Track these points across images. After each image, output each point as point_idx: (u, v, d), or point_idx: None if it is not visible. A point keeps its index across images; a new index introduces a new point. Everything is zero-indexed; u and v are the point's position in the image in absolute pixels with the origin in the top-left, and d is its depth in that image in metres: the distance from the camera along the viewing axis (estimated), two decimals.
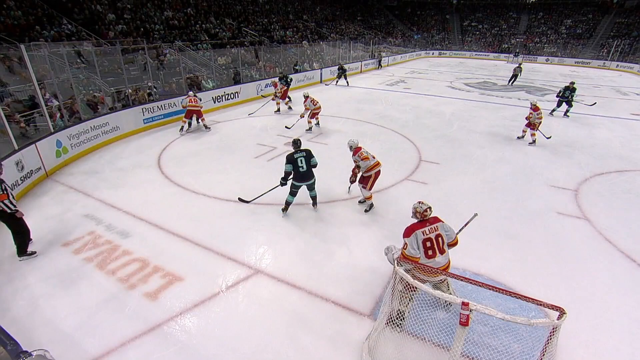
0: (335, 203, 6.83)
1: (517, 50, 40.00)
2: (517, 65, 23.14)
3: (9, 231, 5.08)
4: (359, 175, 6.50)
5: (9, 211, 4.86)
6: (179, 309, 4.25)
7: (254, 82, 15.99)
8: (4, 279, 4.74)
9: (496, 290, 3.22)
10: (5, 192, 4.80)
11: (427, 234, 3.83)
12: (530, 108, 10.56)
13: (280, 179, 6.14)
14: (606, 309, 4.47)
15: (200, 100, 11.50)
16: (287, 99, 13.84)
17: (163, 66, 14.50)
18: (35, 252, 5.20)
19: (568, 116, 14.11)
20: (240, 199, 6.66)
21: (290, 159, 5.92)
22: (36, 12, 14.96)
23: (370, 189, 6.36)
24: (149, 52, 13.60)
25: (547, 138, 10.76)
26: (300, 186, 6.11)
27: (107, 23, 17.03)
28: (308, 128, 11.27)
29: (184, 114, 10.94)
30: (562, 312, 2.88)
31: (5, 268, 4.96)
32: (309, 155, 6.01)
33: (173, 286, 4.61)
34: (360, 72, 25.75)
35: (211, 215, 6.38)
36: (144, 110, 11.03)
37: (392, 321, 3.79)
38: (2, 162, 5.33)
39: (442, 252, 3.88)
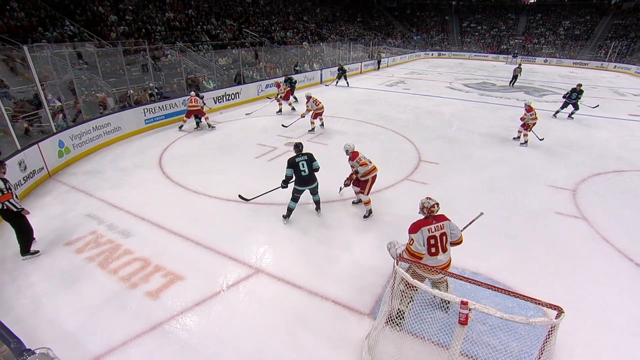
0: (335, 203, 6.84)
1: (516, 51, 39.99)
2: (517, 66, 23.09)
3: (12, 230, 5.09)
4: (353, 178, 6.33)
5: (14, 210, 4.87)
6: (180, 308, 4.26)
7: (255, 83, 16.00)
8: (7, 278, 4.75)
9: (495, 290, 3.22)
10: (9, 192, 4.80)
11: (432, 232, 3.80)
12: (525, 109, 10.58)
13: (281, 182, 6.07)
14: (604, 307, 4.47)
15: (202, 98, 11.57)
16: (290, 100, 13.78)
17: (157, 68, 14.47)
18: (38, 252, 5.21)
19: (572, 118, 13.95)
20: (240, 197, 6.65)
21: (292, 163, 5.78)
22: (39, 14, 14.98)
23: (368, 193, 6.16)
24: (150, 53, 13.61)
25: (540, 139, 10.74)
26: (303, 191, 5.95)
27: (109, 24, 17.04)
28: (311, 129, 11.24)
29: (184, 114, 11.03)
30: (560, 311, 2.89)
31: (8, 267, 4.96)
32: (310, 159, 5.89)
33: (174, 285, 4.62)
34: (360, 72, 25.76)
35: (212, 215, 6.39)
36: (146, 110, 11.04)
37: (391, 320, 3.80)
38: (6, 162, 5.33)
39: (444, 250, 3.86)
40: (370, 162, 6.15)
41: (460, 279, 3.64)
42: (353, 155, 6.15)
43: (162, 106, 11.57)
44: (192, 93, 11.35)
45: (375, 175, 6.19)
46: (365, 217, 6.26)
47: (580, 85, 13.90)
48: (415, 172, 8.36)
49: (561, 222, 6.44)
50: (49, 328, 3.98)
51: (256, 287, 4.65)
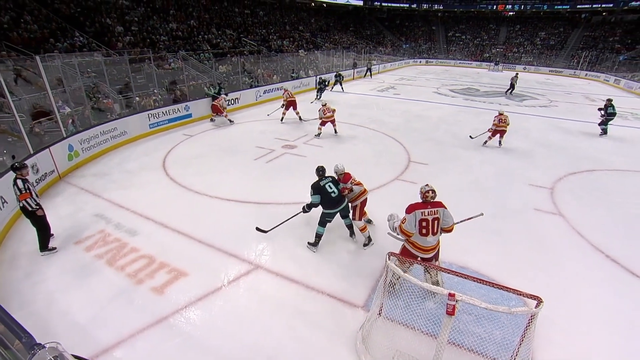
0: None
1: (498, 59, 40.25)
2: (514, 75, 22.23)
3: (29, 228, 5.06)
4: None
5: (29, 209, 4.85)
6: (184, 302, 4.23)
7: (254, 89, 15.93)
8: (21, 274, 4.70)
9: (480, 282, 3.24)
10: (27, 191, 4.81)
11: (425, 215, 3.96)
12: (497, 116, 10.39)
13: (304, 206, 5.40)
14: (580, 297, 4.53)
15: (226, 96, 12.83)
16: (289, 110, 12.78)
17: (153, 77, 14.37)
18: (55, 248, 5.19)
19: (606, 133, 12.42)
20: (257, 229, 5.61)
21: (317, 188, 5.02)
22: (51, 26, 14.83)
23: (360, 218, 5.38)
24: (154, 62, 13.51)
25: (499, 146, 10.60)
26: (334, 214, 5.21)
27: (116, 35, 16.90)
28: (317, 134, 11.08)
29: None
30: (539, 301, 2.92)
31: (23, 263, 4.92)
32: (335, 181, 5.22)
33: (178, 281, 4.59)
34: (353, 78, 25.74)
35: (213, 214, 6.35)
36: (150, 115, 10.95)
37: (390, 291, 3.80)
38: (26, 163, 5.29)
39: (434, 233, 4.01)
40: (361, 184, 5.48)
41: (448, 272, 3.65)
42: (345, 178, 5.30)
43: (166, 111, 11.49)
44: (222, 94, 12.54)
45: (366, 199, 5.45)
46: (365, 245, 5.40)
47: (610, 100, 12.46)
48: (406, 172, 8.38)
49: (540, 218, 6.50)
50: (61, 322, 3.95)
51: (256, 283, 4.64)
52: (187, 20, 22.23)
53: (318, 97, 16.46)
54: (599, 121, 12.66)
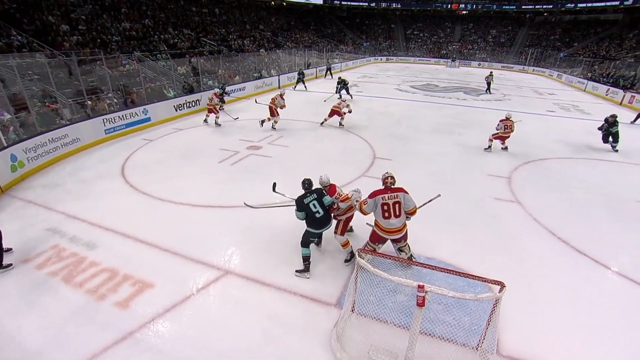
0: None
1: (454, 56, 42.06)
2: (488, 74, 22.22)
3: None
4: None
5: None
6: (151, 314, 4.04)
7: (214, 90, 15.47)
8: None
9: (447, 272, 3.35)
10: None
11: (386, 200, 4.35)
12: (502, 121, 9.93)
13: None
14: (537, 278, 4.82)
15: (217, 96, 12.31)
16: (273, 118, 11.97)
17: (106, 80, 13.64)
18: (11, 264, 4.80)
19: (617, 151, 10.46)
20: (246, 204, 5.86)
21: (301, 205, 4.60)
22: None
23: (343, 233, 5.01)
24: (107, 63, 12.76)
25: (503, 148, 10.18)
26: (319, 234, 4.90)
27: (61, 34, 15.77)
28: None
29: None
30: (502, 286, 3.06)
31: None
32: (320, 194, 4.70)
33: (144, 293, 4.37)
34: (316, 77, 25.81)
35: (178, 221, 6.10)
36: (105, 120, 10.34)
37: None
38: None
39: (397, 216, 4.37)
40: (349, 197, 4.98)
41: (417, 265, 3.75)
42: (331, 191, 4.92)
43: (122, 115, 10.90)
44: (216, 90, 12.41)
45: (352, 215, 5.08)
46: (347, 261, 5.05)
47: (614, 116, 10.42)
48: (371, 168, 8.52)
49: (500, 206, 6.85)
50: (10, 348, 3.62)
51: (226, 289, 4.52)
52: (141, 19, 21.21)
53: (294, 87, 19.57)
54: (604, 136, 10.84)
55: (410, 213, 4.48)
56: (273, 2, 41.76)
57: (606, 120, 10.54)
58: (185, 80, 15.70)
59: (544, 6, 43.78)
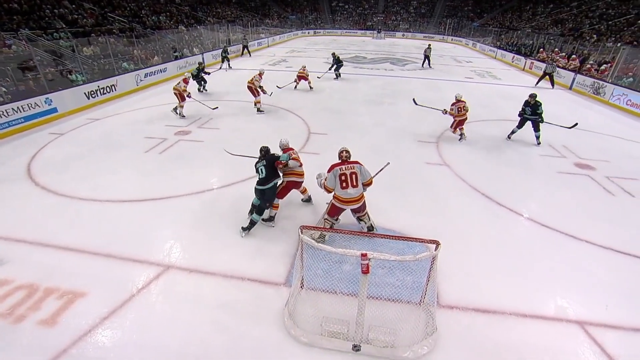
0: (235, 185, 6.57)
1: (380, 28, 43.00)
2: (427, 46, 21.78)
3: None
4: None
5: None
6: (87, 326, 3.66)
7: (132, 73, 14.04)
8: None
9: (387, 237, 3.52)
10: None
11: (343, 170, 4.61)
12: (455, 104, 8.85)
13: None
14: (469, 233, 5.29)
15: (185, 81, 10.62)
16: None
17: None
18: None
19: (539, 143, 8.87)
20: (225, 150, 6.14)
21: (255, 167, 5.14)
22: None
23: (280, 196, 5.41)
24: None
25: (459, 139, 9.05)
26: (257, 190, 5.15)
27: None
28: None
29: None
30: (437, 244, 3.30)
31: None
32: (270, 159, 5.05)
33: (74, 305, 3.93)
34: (242, 54, 24.68)
35: (107, 220, 5.53)
36: None
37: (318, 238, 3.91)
38: None
39: (354, 186, 4.61)
40: (298, 158, 5.40)
41: (359, 234, 3.88)
42: (285, 151, 5.39)
43: (19, 107, 9.38)
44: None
45: (295, 182, 5.45)
46: (264, 220, 5.34)
47: (534, 96, 8.56)
48: (307, 144, 8.51)
49: (431, 170, 7.33)
50: None
51: (169, 284, 4.26)
52: None
53: (220, 67, 18.64)
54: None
55: (367, 184, 4.77)
56: None
57: (526, 103, 8.56)
58: (92, 62, 13.94)
59: None
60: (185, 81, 10.57)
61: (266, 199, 5.13)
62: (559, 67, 17.35)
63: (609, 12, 23.66)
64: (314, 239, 4.57)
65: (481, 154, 8.21)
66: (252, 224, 5.11)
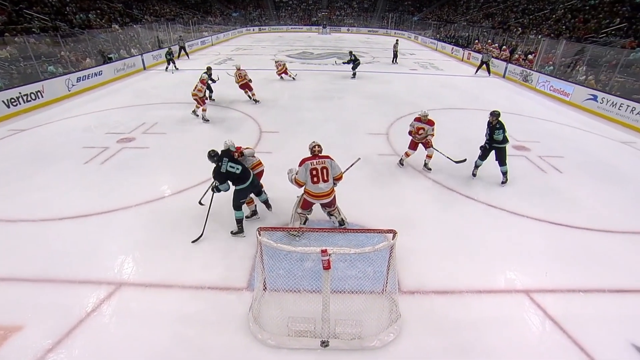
0: (186, 191, 6.29)
1: (325, 23, 43.32)
2: (395, 42, 21.88)
3: None
4: None
5: None
6: None
7: (62, 78, 12.82)
8: None
9: (346, 231, 3.57)
10: None
11: (314, 165, 4.60)
12: (421, 121, 6.82)
13: (213, 186, 5.00)
14: (422, 219, 5.53)
15: (203, 82, 10.10)
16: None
17: None
18: None
19: (506, 181, 6.70)
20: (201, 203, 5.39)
21: (221, 175, 4.70)
22: None
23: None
24: None
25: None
26: (247, 189, 4.93)
27: None
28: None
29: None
30: (394, 233, 3.40)
31: None
32: (229, 155, 4.86)
33: (9, 341, 3.50)
34: (179, 57, 23.57)
35: (43, 241, 5.00)
36: None
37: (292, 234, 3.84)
38: None
39: (325, 180, 4.62)
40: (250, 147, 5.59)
41: (317, 231, 3.90)
42: (238, 148, 5.30)
43: None
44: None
45: (260, 172, 5.54)
46: (246, 217, 5.37)
47: (496, 115, 6.36)
48: (259, 143, 8.37)
49: (383, 160, 7.54)
50: None
51: (123, 302, 3.97)
52: None
53: (166, 68, 17.53)
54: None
55: (338, 179, 4.81)
56: None
57: (489, 124, 6.50)
58: (10, 66, 12.53)
59: None
60: (203, 82, 10.06)
61: (256, 184, 5.07)
62: (492, 57, 18.66)
63: (530, 7, 25.79)
64: (292, 235, 4.81)
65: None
66: (240, 222, 5.05)
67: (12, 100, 10.56)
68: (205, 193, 5.41)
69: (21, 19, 17.90)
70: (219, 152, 4.87)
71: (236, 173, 4.74)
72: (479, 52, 20.60)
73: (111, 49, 17.82)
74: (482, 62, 17.73)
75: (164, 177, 6.84)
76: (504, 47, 19.88)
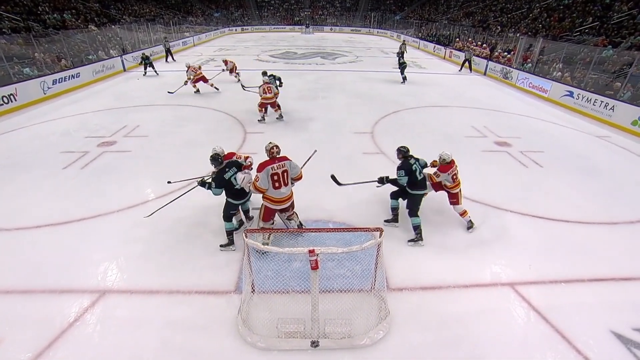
0: (170, 195, 6.17)
1: (308, 22, 43.28)
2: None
3: None
4: None
5: None
6: None
7: (36, 80, 12.39)
8: None
9: (333, 231, 3.57)
10: None
11: (275, 170, 4.34)
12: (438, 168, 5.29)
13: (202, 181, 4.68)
14: (405, 216, 5.56)
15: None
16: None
17: None
18: None
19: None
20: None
21: (221, 181, 4.47)
22: None
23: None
24: None
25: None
26: (238, 205, 4.80)
27: None
28: (259, 118, 9.88)
29: None
30: (381, 231, 3.42)
31: None
32: (238, 166, 4.67)
33: None
34: (166, 60, 23.18)
35: (20, 251, 4.82)
36: None
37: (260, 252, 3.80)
38: None
39: (286, 184, 4.43)
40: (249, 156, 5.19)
41: (305, 231, 3.89)
42: (229, 156, 5.05)
43: None
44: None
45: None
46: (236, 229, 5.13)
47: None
48: (244, 145, 8.30)
49: (368, 159, 7.58)
50: None
51: (108, 310, 3.86)
52: None
53: (144, 73, 16.53)
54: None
55: (297, 179, 4.62)
56: None
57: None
58: None
59: None
60: (269, 89, 9.61)
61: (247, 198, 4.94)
62: (474, 55, 19.01)
63: (508, 6, 26.38)
64: (262, 243, 4.47)
65: (413, 140, 8.67)
66: (230, 234, 4.82)
67: None
68: (185, 181, 5.41)
69: None
70: (221, 159, 4.71)
71: (237, 188, 4.58)
72: (460, 49, 20.95)
73: (89, 50, 17.33)
74: (465, 60, 18.09)
75: (146, 181, 6.71)
76: (484, 45, 20.28)
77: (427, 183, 5.10)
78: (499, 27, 23.73)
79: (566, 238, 5.18)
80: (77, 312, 3.84)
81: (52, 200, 6.04)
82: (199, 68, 13.08)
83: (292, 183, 4.58)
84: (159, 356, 3.36)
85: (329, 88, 14.16)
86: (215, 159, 4.66)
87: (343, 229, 3.61)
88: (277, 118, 10.02)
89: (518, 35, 19.27)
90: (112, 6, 29.79)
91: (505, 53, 18.05)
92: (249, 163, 4.84)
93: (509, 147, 8.48)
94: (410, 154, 5.00)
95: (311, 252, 2.99)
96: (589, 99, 11.49)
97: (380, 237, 3.39)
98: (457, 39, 23.88)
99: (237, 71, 15.28)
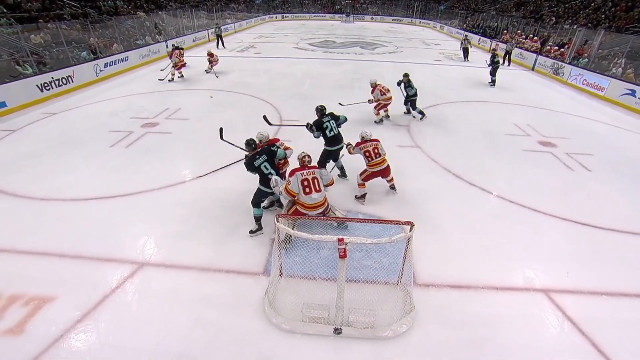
0: (207, 177, 6.41)
1: (348, 11, 42.65)
2: (464, 37, 20.21)
3: None
4: None
5: None
6: (58, 331, 3.51)
7: (91, 63, 13.23)
8: None
9: (364, 221, 3.59)
10: None
11: (304, 176, 4.48)
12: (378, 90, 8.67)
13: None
14: (441, 212, 5.46)
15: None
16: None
17: None
18: None
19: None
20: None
21: (251, 167, 4.66)
22: None
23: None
24: None
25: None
26: (270, 193, 4.80)
27: None
28: (378, 120, 9.34)
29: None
30: (412, 225, 3.39)
31: None
32: (270, 154, 4.76)
33: (42, 310, 3.75)
34: (209, 40, 23.85)
35: (72, 220, 5.26)
36: None
37: (284, 242, 3.90)
38: None
39: (317, 190, 4.46)
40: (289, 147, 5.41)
41: (336, 220, 3.93)
42: (273, 142, 5.23)
43: None
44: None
45: (284, 171, 5.55)
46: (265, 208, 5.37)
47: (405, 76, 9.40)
48: (280, 131, 8.42)
49: (403, 152, 7.46)
50: None
51: (144, 282, 4.15)
52: None
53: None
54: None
55: (330, 184, 4.77)
56: None
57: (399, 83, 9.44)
58: (43, 51, 12.99)
59: None
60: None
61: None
62: (522, 48, 17.93)
63: None
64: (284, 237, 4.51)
65: (451, 135, 8.43)
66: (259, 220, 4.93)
67: (45, 84, 10.99)
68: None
69: (54, 6, 18.48)
70: (255, 145, 4.81)
71: (268, 176, 4.65)
72: (507, 42, 19.84)
73: (138, 35, 18.12)
74: (506, 52, 17.12)
75: (185, 162, 7.02)
76: (535, 37, 19.04)
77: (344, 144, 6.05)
78: (553, 18, 22.18)
79: (612, 249, 4.86)
80: (118, 280, 4.15)
81: (101, 175, 6.49)
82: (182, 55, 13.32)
83: (325, 189, 4.63)
84: (188, 329, 3.56)
85: (366, 78, 13.85)
86: (249, 144, 4.77)
87: (373, 220, 3.61)
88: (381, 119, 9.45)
89: (575, 27, 17.92)
90: None
91: (556, 47, 16.87)
92: (283, 156, 5.01)
93: (553, 147, 8.02)
94: (328, 112, 6.14)
95: (340, 240, 3.03)
96: None
97: (410, 231, 3.36)
98: (505, 31, 22.60)
99: (213, 65, 14.35)
